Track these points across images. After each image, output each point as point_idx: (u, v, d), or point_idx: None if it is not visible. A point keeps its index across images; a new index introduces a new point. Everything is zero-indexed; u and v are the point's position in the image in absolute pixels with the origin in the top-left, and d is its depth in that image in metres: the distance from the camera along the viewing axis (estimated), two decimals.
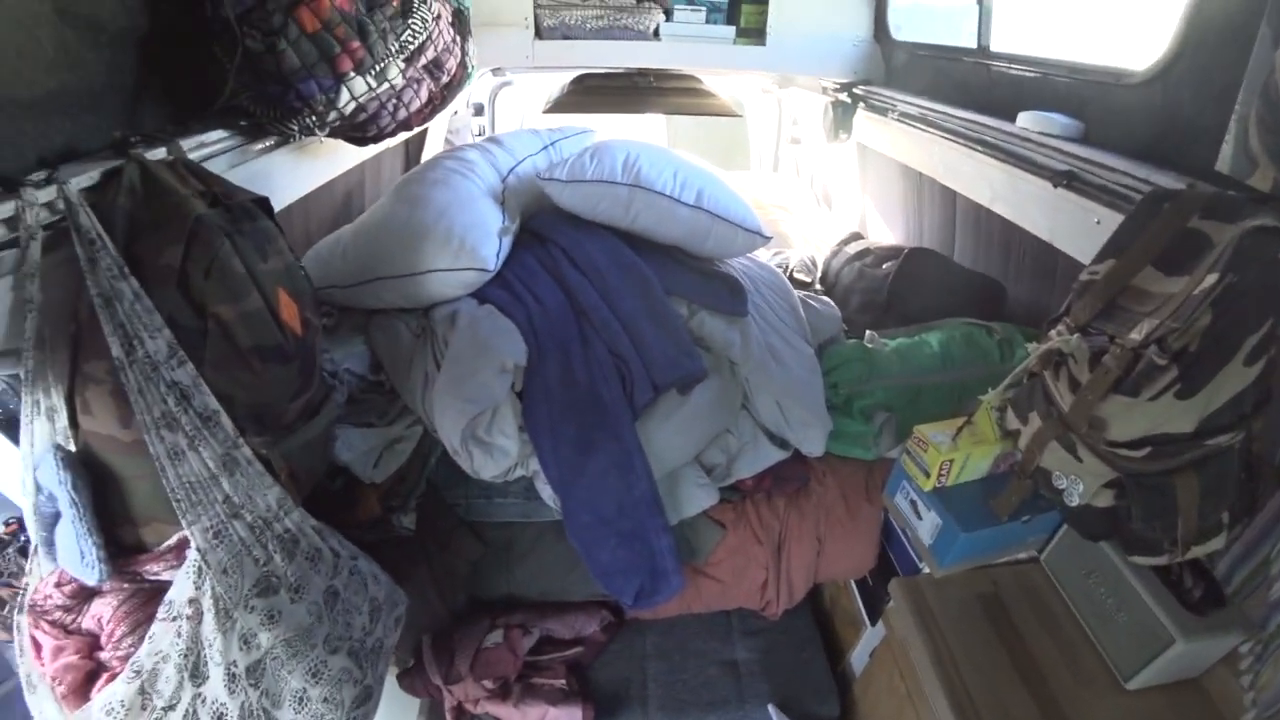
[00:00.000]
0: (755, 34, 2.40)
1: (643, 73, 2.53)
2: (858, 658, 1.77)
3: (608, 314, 1.35)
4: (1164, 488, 1.03)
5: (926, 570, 1.45)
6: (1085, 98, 1.58)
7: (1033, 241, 1.63)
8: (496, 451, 1.22)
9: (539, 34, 2.24)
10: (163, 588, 1.01)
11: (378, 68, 1.20)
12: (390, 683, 1.58)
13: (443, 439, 1.22)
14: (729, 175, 2.92)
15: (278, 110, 1.17)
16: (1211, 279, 0.97)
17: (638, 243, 1.54)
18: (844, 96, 2.46)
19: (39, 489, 0.96)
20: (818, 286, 1.98)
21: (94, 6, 1.02)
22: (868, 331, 1.62)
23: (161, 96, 1.17)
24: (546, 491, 1.28)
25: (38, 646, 1.01)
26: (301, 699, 1.00)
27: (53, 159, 0.96)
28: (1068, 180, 1.44)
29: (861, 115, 2.46)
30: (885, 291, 1.77)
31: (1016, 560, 1.46)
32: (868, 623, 1.73)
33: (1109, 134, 1.49)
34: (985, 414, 1.35)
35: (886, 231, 2.57)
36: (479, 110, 3.10)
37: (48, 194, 0.84)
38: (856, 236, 2.23)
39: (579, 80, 2.59)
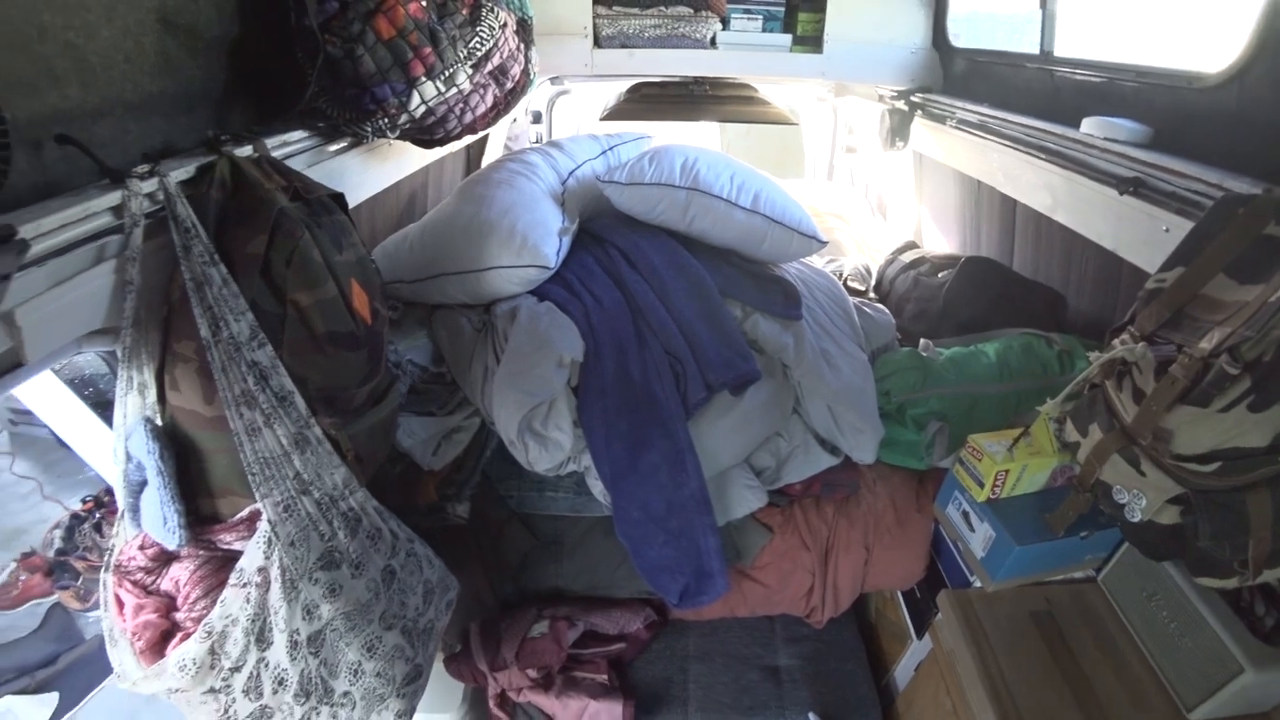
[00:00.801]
0: (812, 42, 2.40)
1: (698, 81, 2.56)
2: (902, 671, 1.73)
3: (664, 314, 1.38)
4: (1235, 505, 0.98)
5: (977, 584, 1.41)
6: (1153, 102, 1.54)
7: (1095, 250, 1.59)
8: (551, 445, 1.25)
9: (598, 42, 2.29)
10: (234, 556, 1.07)
11: (447, 73, 1.26)
12: (437, 667, 1.62)
13: (500, 430, 1.26)
14: (783, 183, 2.95)
15: (353, 112, 1.23)
16: None
17: (694, 245, 1.56)
18: (901, 104, 2.44)
19: (129, 458, 1.03)
20: (872, 295, 1.96)
21: (193, 17, 1.10)
22: (922, 340, 1.60)
23: (247, 98, 1.25)
24: (597, 487, 1.30)
25: (120, 604, 1.09)
26: (357, 671, 1.05)
27: (153, 155, 1.04)
28: (1134, 187, 1.40)
29: (918, 123, 2.43)
30: (941, 300, 1.75)
31: (1073, 578, 1.41)
32: (914, 636, 1.69)
33: (1179, 139, 1.44)
34: (1043, 425, 1.33)
35: (942, 240, 2.53)
36: (537, 118, 3.18)
37: (150, 185, 0.91)
38: (912, 245, 2.20)
39: (635, 89, 2.64)
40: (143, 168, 0.92)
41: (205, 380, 0.94)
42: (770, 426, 1.39)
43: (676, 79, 2.60)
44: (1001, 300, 1.74)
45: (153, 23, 1.04)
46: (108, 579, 1.11)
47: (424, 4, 1.23)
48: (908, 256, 2.01)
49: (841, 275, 1.99)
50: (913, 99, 2.43)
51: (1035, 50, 1.99)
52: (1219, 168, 1.30)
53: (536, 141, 3.06)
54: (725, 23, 2.33)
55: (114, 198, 0.87)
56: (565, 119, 3.45)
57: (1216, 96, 1.37)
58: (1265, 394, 0.93)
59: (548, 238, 1.45)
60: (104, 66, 0.97)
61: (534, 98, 3.14)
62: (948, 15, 2.41)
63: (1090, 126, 1.59)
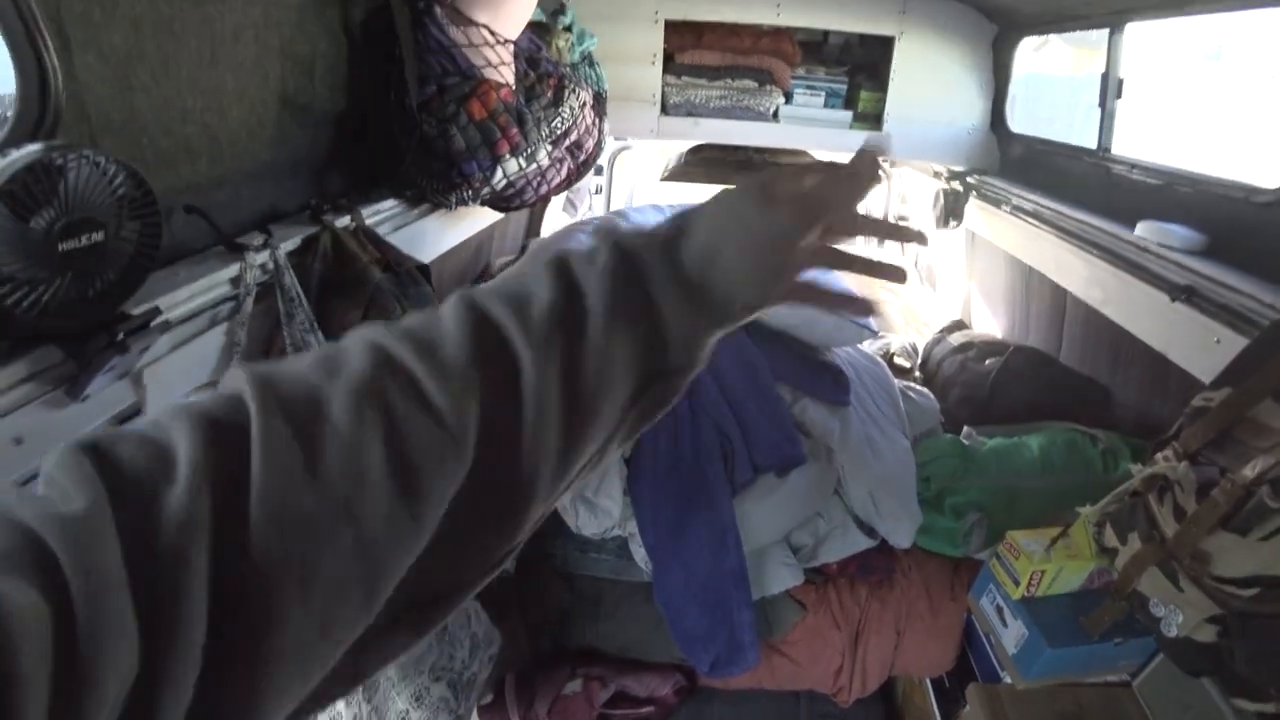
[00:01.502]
0: (872, 119, 2.47)
1: (757, 148, 2.64)
2: None
3: (716, 394, 1.44)
4: (1273, 631, 0.99)
5: (1008, 679, 1.41)
6: (1209, 211, 1.55)
7: (1144, 349, 1.60)
8: (600, 512, 1.31)
9: (664, 110, 2.39)
10: None
11: (529, 150, 1.35)
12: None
13: None
14: None
15: (440, 184, 1.33)
16: None
17: (751, 326, 1.62)
18: (956, 184, 2.49)
19: None
20: (918, 374, 1.99)
21: (309, 96, 1.21)
22: (965, 427, 1.63)
23: (345, 166, 1.36)
24: (640, 553, 1.35)
25: None
26: (404, 719, 1.10)
27: (261, 219, 1.14)
28: (1186, 295, 1.42)
29: (973, 203, 2.47)
30: (987, 388, 1.77)
31: (1106, 682, 1.40)
32: None
33: (1233, 250, 1.46)
34: (1082, 528, 1.33)
35: (991, 320, 2.54)
36: (599, 170, 3.30)
37: (263, 256, 1.01)
38: (960, 325, 2.23)
39: (696, 150, 2.73)
40: (258, 239, 1.02)
41: None
42: (811, 507, 1.43)
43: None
44: (1048, 392, 1.76)
45: (274, 102, 1.15)
46: None
47: (513, 88, 1.33)
48: (956, 338, 2.04)
49: (889, 352, 2.03)
50: (968, 180, 2.47)
51: (1093, 145, 2.03)
52: (1274, 283, 1.32)
53: (597, 191, 3.17)
54: (788, 97, 2.41)
55: (233, 269, 0.97)
56: (626, 172, 3.57)
57: (1274, 211, 1.39)
58: None
59: None
60: (230, 142, 1.08)
61: None
62: (1006, 100, 2.46)
63: (1144, 231, 1.61)
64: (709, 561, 1.29)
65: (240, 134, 1.10)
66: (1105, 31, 1.93)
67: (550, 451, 0.40)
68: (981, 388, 1.79)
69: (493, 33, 1.28)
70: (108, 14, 0.85)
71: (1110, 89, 1.97)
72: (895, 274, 0.54)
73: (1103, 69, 1.98)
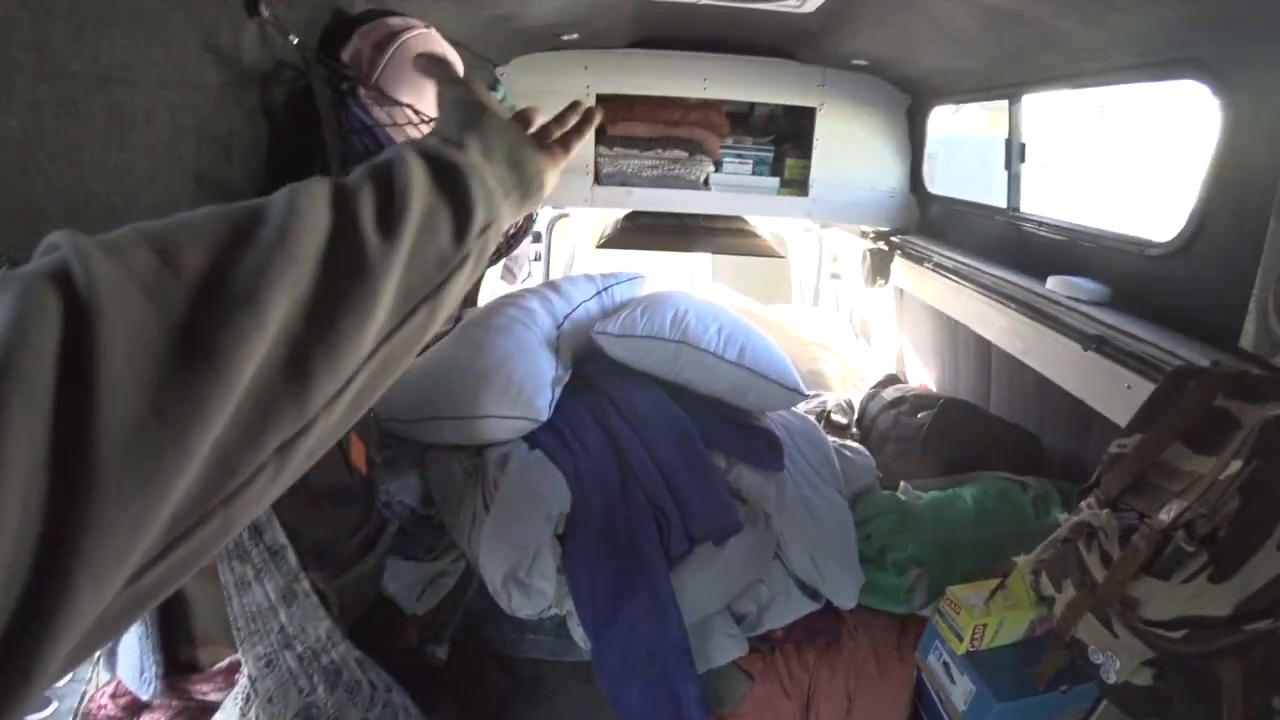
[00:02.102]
0: (798, 185, 2.58)
1: (690, 214, 2.72)
2: None
3: (650, 465, 1.43)
4: (1206, 671, 1.00)
5: None
6: (1110, 264, 1.65)
7: (1066, 395, 1.67)
8: (534, 593, 1.26)
9: (598, 180, 2.45)
10: (208, 707, 1.06)
11: None
12: None
13: (484, 577, 1.28)
14: (771, 309, 3.07)
15: None
16: (1237, 465, 0.99)
17: (682, 393, 1.63)
18: (881, 245, 2.59)
19: None
20: (854, 430, 2.02)
21: (226, 176, 1.19)
22: (901, 483, 1.65)
23: None
24: (579, 632, 1.31)
25: None
26: None
27: None
28: (1097, 344, 1.49)
29: (898, 262, 2.57)
30: (920, 441, 1.80)
31: None
32: None
33: (1136, 300, 1.55)
34: (1019, 577, 1.35)
35: (923, 372, 2.62)
36: (537, 238, 3.34)
37: None
38: (893, 379, 2.29)
39: (631, 217, 2.79)
40: None
41: None
42: (752, 574, 1.41)
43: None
44: (978, 443, 1.80)
45: (189, 183, 1.13)
46: None
47: None
48: (889, 393, 2.08)
49: (826, 410, 2.06)
50: (892, 239, 2.58)
51: (1003, 204, 2.15)
52: (1173, 330, 1.40)
53: (535, 258, 3.19)
54: (718, 165, 2.51)
55: None
56: (564, 237, 3.63)
57: (1167, 265, 1.48)
58: (1222, 566, 0.96)
59: (542, 389, 1.51)
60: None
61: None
62: (923, 164, 2.60)
63: (1055, 284, 1.70)
64: (650, 637, 1.25)
65: (151, 217, 1.07)
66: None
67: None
68: (915, 441, 1.82)
69: (417, 112, 1.29)
70: (4, 97, 0.82)
71: (1014, 153, 2.10)
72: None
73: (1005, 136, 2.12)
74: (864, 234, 2.79)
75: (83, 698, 1.10)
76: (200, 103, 1.11)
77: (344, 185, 0.51)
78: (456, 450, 1.52)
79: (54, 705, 1.85)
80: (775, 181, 2.56)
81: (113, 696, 1.09)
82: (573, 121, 0.80)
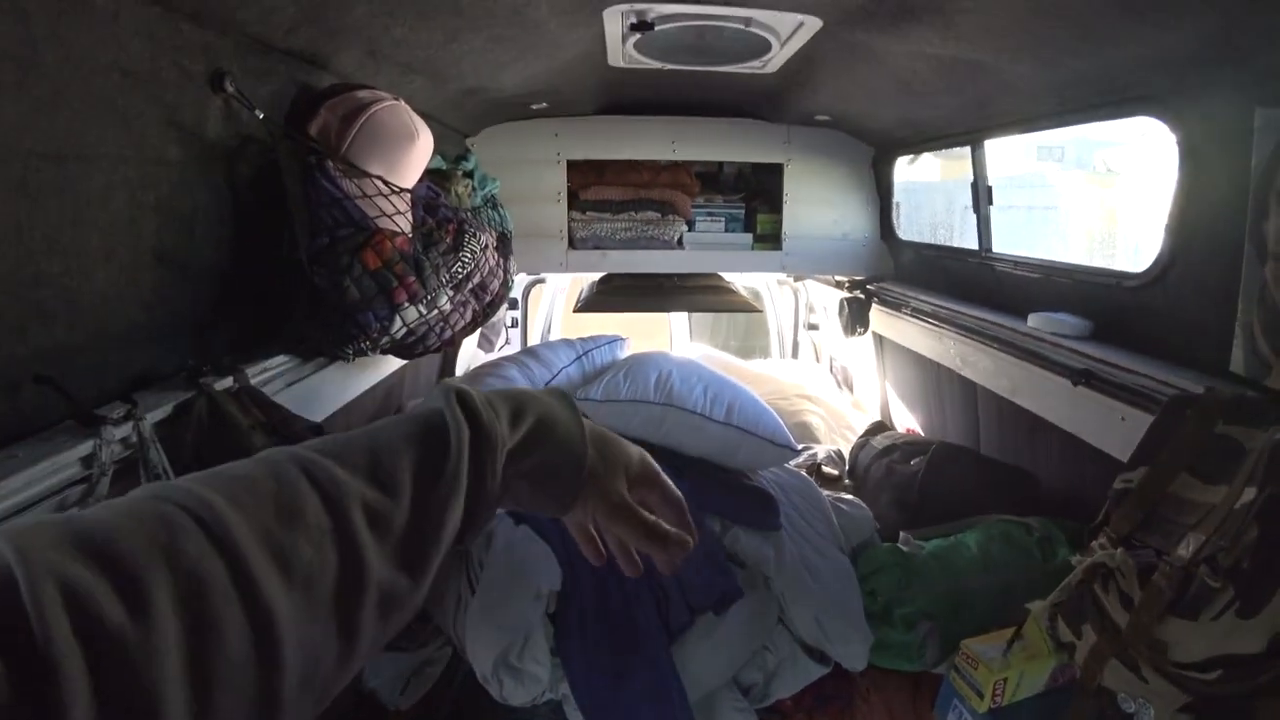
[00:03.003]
0: (771, 240, 2.61)
1: (666, 273, 2.73)
2: None
3: None
4: (1246, 713, 0.95)
5: None
6: (1089, 298, 1.66)
7: (1058, 431, 1.65)
8: (527, 678, 1.17)
9: (572, 244, 2.46)
10: None
11: (429, 297, 1.32)
12: None
13: (473, 665, 1.19)
14: (751, 364, 3.06)
15: (336, 336, 1.27)
16: (1251, 492, 0.96)
17: (670, 456, 1.58)
18: (858, 293, 2.61)
19: None
20: (847, 481, 1.97)
21: (188, 252, 1.15)
22: (902, 534, 1.59)
23: (229, 323, 1.28)
24: (576, 717, 1.21)
25: None
26: None
27: (131, 386, 1.04)
28: (1086, 379, 1.48)
29: (876, 310, 2.59)
30: (916, 489, 1.76)
31: None
32: None
33: (1119, 332, 1.55)
34: (1035, 625, 1.29)
35: (909, 417, 2.60)
36: (513, 304, 3.32)
37: (124, 430, 0.90)
38: (881, 427, 2.26)
39: (607, 279, 2.79)
40: (119, 410, 0.92)
41: None
42: (755, 641, 1.33)
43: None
44: (976, 486, 1.76)
45: (148, 260, 1.08)
46: None
47: (410, 236, 1.32)
48: (879, 441, 2.05)
49: (816, 462, 2.01)
50: (868, 288, 2.60)
51: (975, 246, 2.18)
52: (1159, 359, 1.39)
53: (511, 325, 3.17)
54: (691, 224, 2.53)
55: (85, 446, 0.86)
56: (540, 302, 3.62)
57: (1146, 295, 1.49)
58: (1250, 600, 0.92)
59: None
60: (94, 304, 1.00)
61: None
62: (892, 211, 2.65)
63: (1036, 321, 1.70)
64: (652, 717, 1.16)
65: (107, 295, 1.02)
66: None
67: None
68: (910, 489, 1.78)
69: (387, 183, 1.28)
70: None
71: (981, 196, 2.14)
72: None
73: (971, 180, 2.16)
74: (839, 284, 2.81)
75: None
76: (161, 178, 1.08)
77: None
78: None
79: None
80: (749, 237, 2.59)
81: None
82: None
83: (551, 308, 3.67)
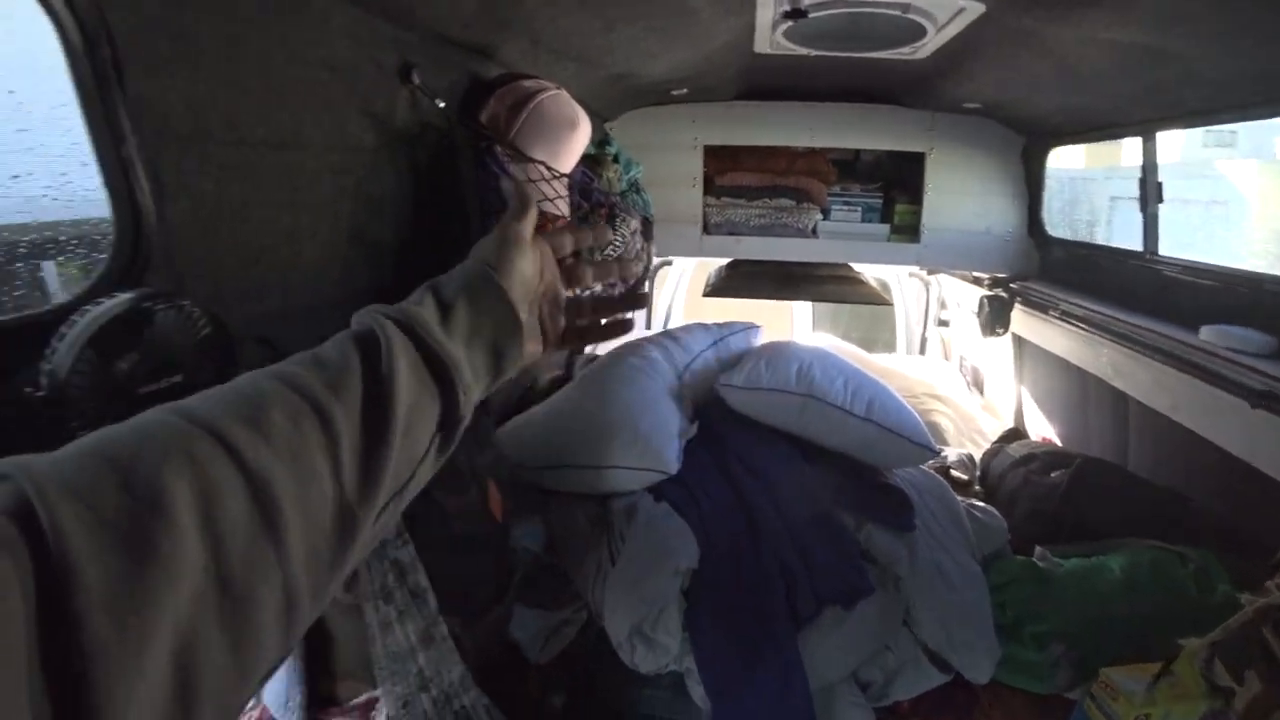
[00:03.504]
0: (909, 231, 2.52)
1: (797, 262, 2.70)
2: None
3: (777, 522, 1.39)
4: None
5: None
6: (1275, 312, 1.52)
7: (1224, 456, 1.52)
8: (658, 648, 1.24)
9: (706, 229, 2.48)
10: None
11: None
12: None
13: (609, 631, 1.26)
14: (875, 358, 2.98)
15: None
16: None
17: (807, 448, 1.59)
18: (1000, 291, 2.48)
19: None
20: (977, 487, 1.91)
21: (377, 233, 1.27)
22: (1038, 548, 1.53)
23: (403, 296, 1.41)
24: (698, 691, 1.26)
25: None
26: None
27: None
28: (1267, 402, 1.36)
29: (1018, 310, 2.45)
30: (1056, 503, 1.68)
31: None
32: None
33: None
34: (1188, 663, 1.21)
35: (1047, 426, 2.46)
36: None
37: None
38: (1016, 434, 2.16)
39: (734, 265, 2.79)
40: None
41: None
42: (880, 640, 1.33)
43: None
44: (1123, 507, 1.66)
45: (344, 240, 1.21)
46: None
47: (569, 219, 1.39)
48: (1015, 449, 1.96)
49: (945, 464, 1.95)
50: (1011, 286, 2.47)
51: (1136, 247, 2.02)
52: None
53: None
54: (826, 213, 2.49)
55: None
56: (665, 286, 3.66)
57: None
58: None
59: (669, 442, 1.51)
60: (301, 278, 1.13)
61: None
62: (1041, 207, 2.49)
63: (1211, 335, 1.57)
64: (772, 701, 1.20)
65: (311, 271, 1.15)
66: None
67: None
68: (1050, 502, 1.70)
69: (549, 168, 1.35)
70: (201, 165, 0.91)
71: (1150, 193, 1.99)
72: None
73: (1140, 176, 2.00)
74: (978, 280, 2.68)
75: None
76: (357, 164, 1.20)
77: (322, 402, 0.45)
78: (580, 499, 1.53)
79: None
80: (885, 228, 2.52)
81: None
82: (606, 321, 0.74)
83: (676, 290, 3.71)
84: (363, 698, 1.06)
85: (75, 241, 0.85)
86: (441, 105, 1.29)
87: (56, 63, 0.73)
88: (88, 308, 0.73)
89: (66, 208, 0.81)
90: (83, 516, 0.32)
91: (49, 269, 0.91)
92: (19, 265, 0.85)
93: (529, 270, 0.64)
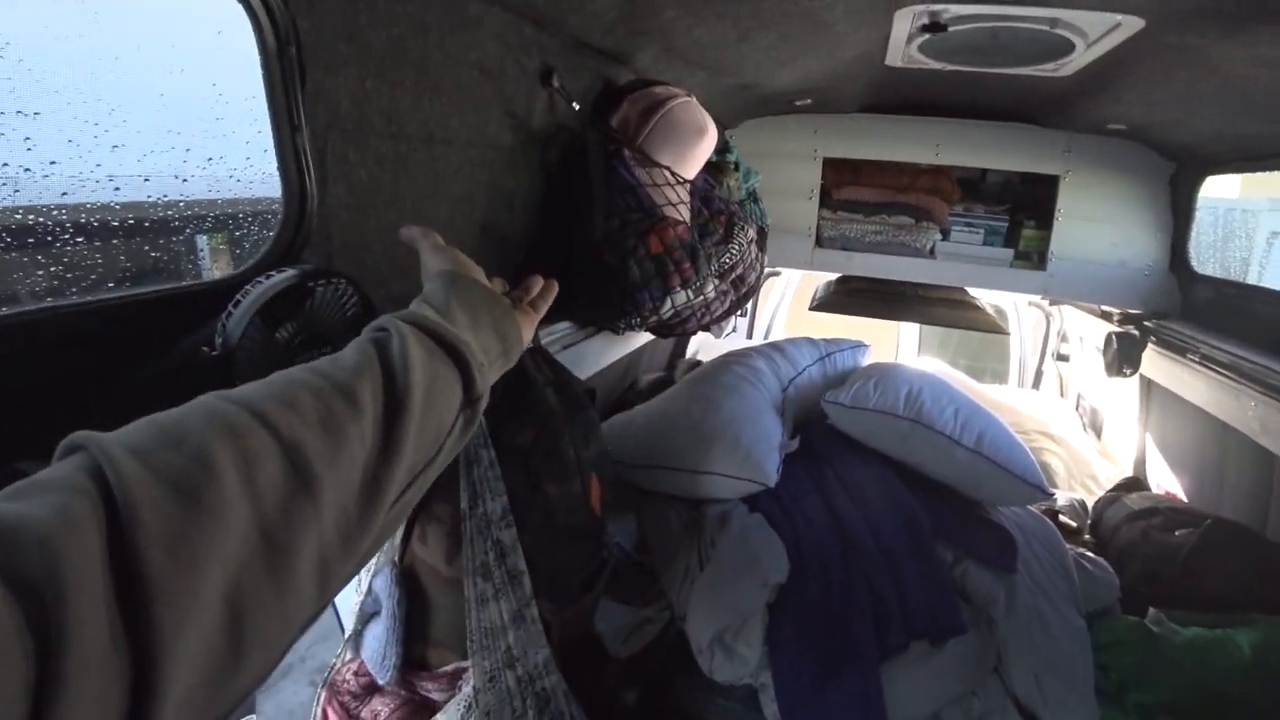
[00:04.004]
0: (1035, 258, 2.39)
1: (910, 282, 2.61)
2: None
3: (873, 548, 1.36)
4: None
5: None
6: None
7: None
8: (737, 659, 1.24)
9: (819, 243, 2.44)
10: (429, 704, 1.15)
11: (698, 283, 1.41)
12: None
13: (690, 635, 1.28)
14: (985, 388, 2.84)
15: (612, 310, 1.41)
16: None
17: (909, 474, 1.55)
18: (1131, 329, 2.31)
19: (369, 591, 1.17)
20: (1087, 536, 1.79)
21: (506, 227, 1.34)
22: (1152, 610, 1.42)
23: None
24: (771, 708, 1.26)
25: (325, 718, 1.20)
26: None
27: None
28: None
29: (1151, 350, 2.28)
30: (1179, 565, 1.55)
31: None
32: None
33: None
34: None
35: (1172, 480, 2.27)
36: None
37: None
38: (1136, 484, 2.01)
39: (844, 280, 2.73)
40: None
41: (452, 543, 1.06)
42: (966, 683, 1.28)
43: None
44: (1258, 579, 1.51)
45: (477, 229, 1.28)
46: (322, 693, 1.23)
47: (689, 225, 1.41)
48: (1135, 500, 1.83)
49: (1053, 508, 1.85)
50: (1145, 324, 2.29)
51: None
52: None
53: (741, 314, 3.22)
54: (945, 234, 2.39)
55: None
56: (769, 293, 3.62)
57: None
58: None
59: (769, 455, 1.51)
60: None
61: None
62: (1189, 240, 2.30)
63: None
64: None
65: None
66: None
67: None
68: (1170, 564, 1.57)
69: (674, 174, 1.37)
70: (360, 154, 0.99)
71: None
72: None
73: None
74: (1107, 315, 2.50)
75: (331, 669, 1.24)
76: (493, 160, 1.26)
77: (345, 382, 0.52)
78: (675, 501, 1.55)
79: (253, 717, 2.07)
80: (1009, 253, 2.39)
81: (355, 674, 1.22)
82: (536, 288, 0.90)
83: (780, 302, 3.66)
84: (451, 666, 1.12)
85: (250, 219, 0.95)
86: (577, 108, 1.33)
87: (251, 60, 0.81)
88: (260, 279, 0.81)
89: (247, 188, 0.90)
90: (140, 471, 0.38)
91: (202, 242, 1.01)
92: (199, 237, 0.95)
93: (476, 268, 0.76)
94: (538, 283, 0.90)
